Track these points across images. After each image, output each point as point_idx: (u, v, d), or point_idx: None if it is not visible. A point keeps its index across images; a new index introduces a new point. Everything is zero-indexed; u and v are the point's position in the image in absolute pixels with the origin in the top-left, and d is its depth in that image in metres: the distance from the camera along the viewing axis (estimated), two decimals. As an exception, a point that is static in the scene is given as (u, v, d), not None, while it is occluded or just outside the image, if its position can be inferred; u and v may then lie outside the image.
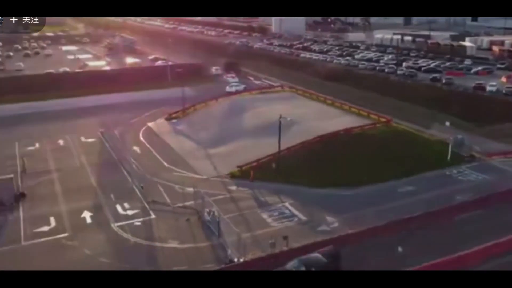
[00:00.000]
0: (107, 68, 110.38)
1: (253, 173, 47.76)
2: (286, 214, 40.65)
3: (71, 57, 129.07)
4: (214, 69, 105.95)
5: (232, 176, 48.62)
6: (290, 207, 41.71)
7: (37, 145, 58.78)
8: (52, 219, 39.43)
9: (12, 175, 44.70)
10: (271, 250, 33.42)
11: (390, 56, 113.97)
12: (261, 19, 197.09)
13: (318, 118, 64.92)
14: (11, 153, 54.97)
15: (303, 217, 39.96)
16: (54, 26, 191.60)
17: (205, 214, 39.30)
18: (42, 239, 36.52)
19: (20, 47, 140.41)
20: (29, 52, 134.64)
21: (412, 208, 39.60)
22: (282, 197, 43.63)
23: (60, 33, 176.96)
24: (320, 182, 46.03)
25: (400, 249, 33.61)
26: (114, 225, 38.63)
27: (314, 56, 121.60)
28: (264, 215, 40.31)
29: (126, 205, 42.06)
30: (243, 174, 48.38)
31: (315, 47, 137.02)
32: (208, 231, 37.44)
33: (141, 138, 61.89)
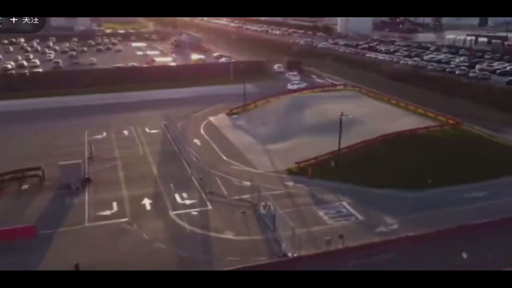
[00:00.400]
0: (173, 63, 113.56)
1: (311, 170, 47.00)
2: (343, 213, 39.59)
3: (140, 53, 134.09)
4: (276, 67, 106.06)
5: (290, 172, 48.11)
6: (347, 206, 40.58)
7: (104, 134, 61.40)
8: (114, 204, 40.91)
9: (80, 161, 46.92)
10: (326, 248, 32.64)
11: (462, 58, 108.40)
12: (327, 18, 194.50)
13: (382, 117, 62.84)
14: (80, 140, 57.68)
15: (360, 217, 38.73)
16: (125, 24, 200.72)
17: (261, 207, 39.17)
18: (104, 222, 37.98)
19: (93, 43, 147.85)
20: (101, 47, 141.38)
21: (479, 215, 37.23)
22: (340, 195, 42.56)
23: (131, 31, 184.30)
24: (380, 182, 44.43)
25: (464, 255, 31.64)
26: (172, 213, 39.42)
27: (380, 56, 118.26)
28: (321, 213, 39.49)
29: (184, 194, 42.84)
30: (300, 171, 47.73)
31: (382, 47, 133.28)
32: (263, 224, 37.23)
33: (202, 132, 62.94)
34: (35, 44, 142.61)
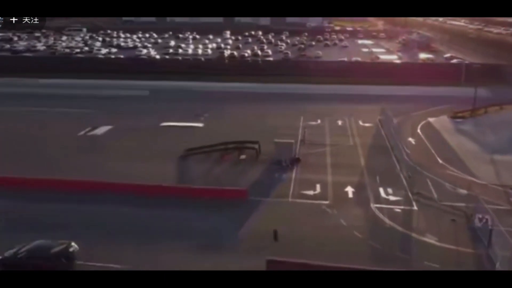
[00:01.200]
0: (398, 61, 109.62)
1: (549, 190, 39.24)
2: None
3: (365, 50, 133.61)
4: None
5: (520, 188, 41.12)
6: None
7: (318, 121, 63.07)
8: (318, 186, 41.53)
9: (293, 141, 49.22)
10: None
11: None
12: None
13: None
14: (296, 124, 60.49)
15: None
16: (354, 22, 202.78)
17: (476, 219, 34.36)
18: (306, 201, 38.96)
19: (321, 38, 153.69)
20: (328, 43, 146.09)
21: None
22: None
23: (359, 28, 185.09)
24: None
25: None
26: (373, 205, 37.94)
27: None
28: (555, 241, 32.48)
29: (389, 190, 40.75)
30: (534, 189, 40.33)
31: None
32: (475, 238, 32.64)
33: (419, 131, 59.01)
34: (270, 37, 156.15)
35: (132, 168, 45.11)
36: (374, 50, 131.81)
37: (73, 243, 29.22)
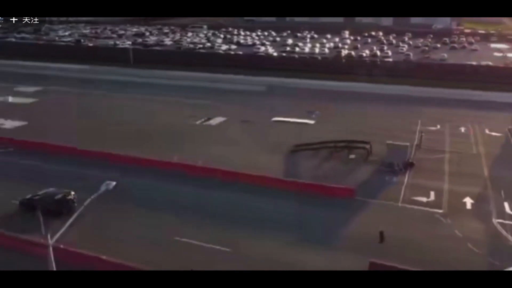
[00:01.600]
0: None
1: None
2: None
3: (498, 54, 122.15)
4: None
5: None
6: None
7: (438, 126, 58.93)
8: (432, 193, 38.78)
9: (408, 144, 46.61)
10: None
11: None
12: None
13: None
14: (413, 128, 57.18)
15: None
16: (488, 24, 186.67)
17: None
18: (417, 207, 36.59)
19: (448, 41, 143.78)
20: (456, 45, 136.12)
21: None
22: None
23: (492, 31, 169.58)
24: None
25: None
26: (495, 220, 34.36)
27: None
28: None
29: (516, 205, 36.71)
30: None
31: None
32: None
33: (558, 144, 52.33)
34: (391, 37, 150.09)
35: (241, 158, 46.31)
36: (509, 55, 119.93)
37: (72, 192, 35.26)
